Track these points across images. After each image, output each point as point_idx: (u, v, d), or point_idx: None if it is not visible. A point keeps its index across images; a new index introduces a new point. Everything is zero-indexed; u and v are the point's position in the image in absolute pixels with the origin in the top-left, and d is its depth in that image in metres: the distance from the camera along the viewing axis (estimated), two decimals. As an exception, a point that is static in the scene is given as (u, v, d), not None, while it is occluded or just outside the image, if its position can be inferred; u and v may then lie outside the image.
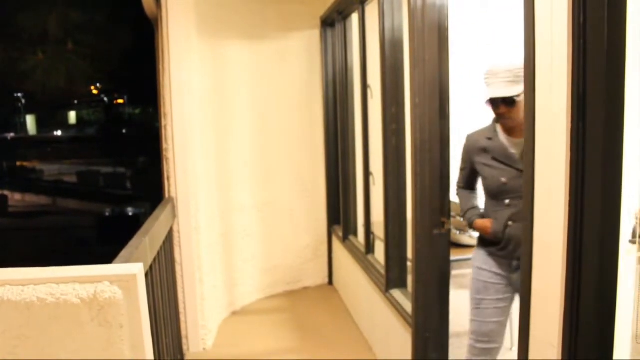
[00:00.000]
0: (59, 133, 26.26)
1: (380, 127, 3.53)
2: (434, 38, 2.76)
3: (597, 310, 1.54)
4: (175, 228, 3.82)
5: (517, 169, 2.49)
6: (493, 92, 2.48)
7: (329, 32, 5.06)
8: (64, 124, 26.32)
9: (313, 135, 5.20)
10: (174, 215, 3.79)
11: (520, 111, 2.40)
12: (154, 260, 2.86)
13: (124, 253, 2.29)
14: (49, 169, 22.80)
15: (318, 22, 5.13)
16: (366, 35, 4.01)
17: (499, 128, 2.61)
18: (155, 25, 4.06)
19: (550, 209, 1.67)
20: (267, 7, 4.87)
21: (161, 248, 3.15)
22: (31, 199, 20.55)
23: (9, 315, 1.40)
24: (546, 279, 1.71)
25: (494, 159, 2.59)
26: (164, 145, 3.86)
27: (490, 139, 2.63)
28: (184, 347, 3.93)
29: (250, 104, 4.85)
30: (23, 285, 1.43)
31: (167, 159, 3.85)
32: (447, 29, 2.77)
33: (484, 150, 2.64)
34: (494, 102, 2.51)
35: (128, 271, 1.51)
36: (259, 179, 4.95)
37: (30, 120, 24.96)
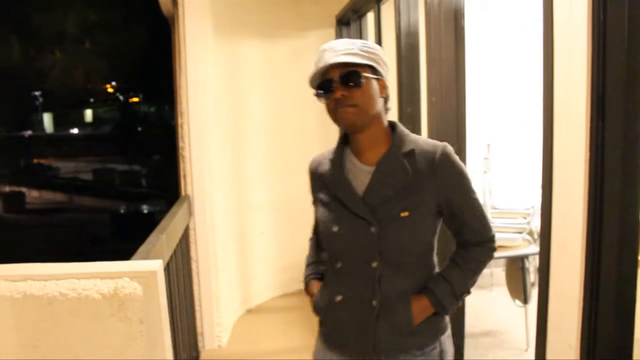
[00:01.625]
0: (75, 131, 26.51)
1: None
2: (450, 37, 2.76)
3: (617, 310, 1.53)
4: (191, 226, 3.85)
5: (359, 217, 1.63)
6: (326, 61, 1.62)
7: (345, 31, 5.06)
8: (80, 121, 26.57)
9: (328, 134, 5.17)
10: (190, 213, 3.81)
11: (368, 101, 1.62)
12: (171, 257, 2.89)
13: (141, 250, 2.31)
14: (65, 167, 23.02)
15: (333, 21, 5.13)
16: (382, 34, 4.01)
17: (347, 149, 1.76)
18: (171, 24, 4.09)
19: (568, 209, 1.66)
20: (283, 7, 4.88)
21: (177, 245, 3.18)
22: (48, 195, 20.78)
23: (31, 310, 1.43)
24: (564, 279, 1.71)
25: (333, 195, 1.71)
26: (180, 144, 3.88)
27: (332, 162, 1.76)
28: (199, 344, 3.96)
29: (266, 102, 4.87)
30: (45, 280, 1.46)
31: (183, 157, 3.88)
32: (463, 28, 2.77)
33: (323, 180, 1.76)
34: (328, 85, 1.63)
35: (148, 267, 1.53)
36: (274, 177, 4.97)
37: (47, 118, 25.21)
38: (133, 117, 21.94)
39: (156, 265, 1.54)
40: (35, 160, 22.33)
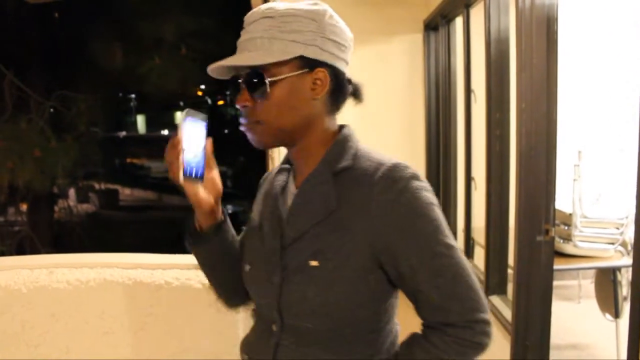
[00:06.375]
0: (165, 132, 27.67)
1: (484, 132, 3.50)
2: (542, 42, 2.71)
3: None
4: (277, 225, 3.96)
5: (269, 257, 1.21)
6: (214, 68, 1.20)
7: (432, 36, 5.05)
8: (170, 123, 27.69)
9: (413, 138, 5.20)
10: (276, 213, 3.93)
11: (279, 115, 1.20)
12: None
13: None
14: (156, 166, 24.07)
15: (421, 26, 5.13)
16: (470, 39, 3.98)
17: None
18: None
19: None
20: (370, 12, 4.93)
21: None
22: (139, 194, 21.80)
23: (141, 295, 1.56)
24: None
25: (260, 220, 1.33)
26: (270, 145, 4.01)
27: (275, 179, 1.37)
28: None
29: (349, 108, 4.93)
30: (153, 269, 1.58)
31: (272, 158, 4.00)
32: (556, 32, 2.72)
33: (261, 201, 1.39)
34: (236, 86, 1.22)
35: (244, 261, 1.62)
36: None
37: (140, 120, 26.45)
38: (220, 119, 22.63)
39: (252, 260, 1.64)
40: (128, 160, 23.46)
